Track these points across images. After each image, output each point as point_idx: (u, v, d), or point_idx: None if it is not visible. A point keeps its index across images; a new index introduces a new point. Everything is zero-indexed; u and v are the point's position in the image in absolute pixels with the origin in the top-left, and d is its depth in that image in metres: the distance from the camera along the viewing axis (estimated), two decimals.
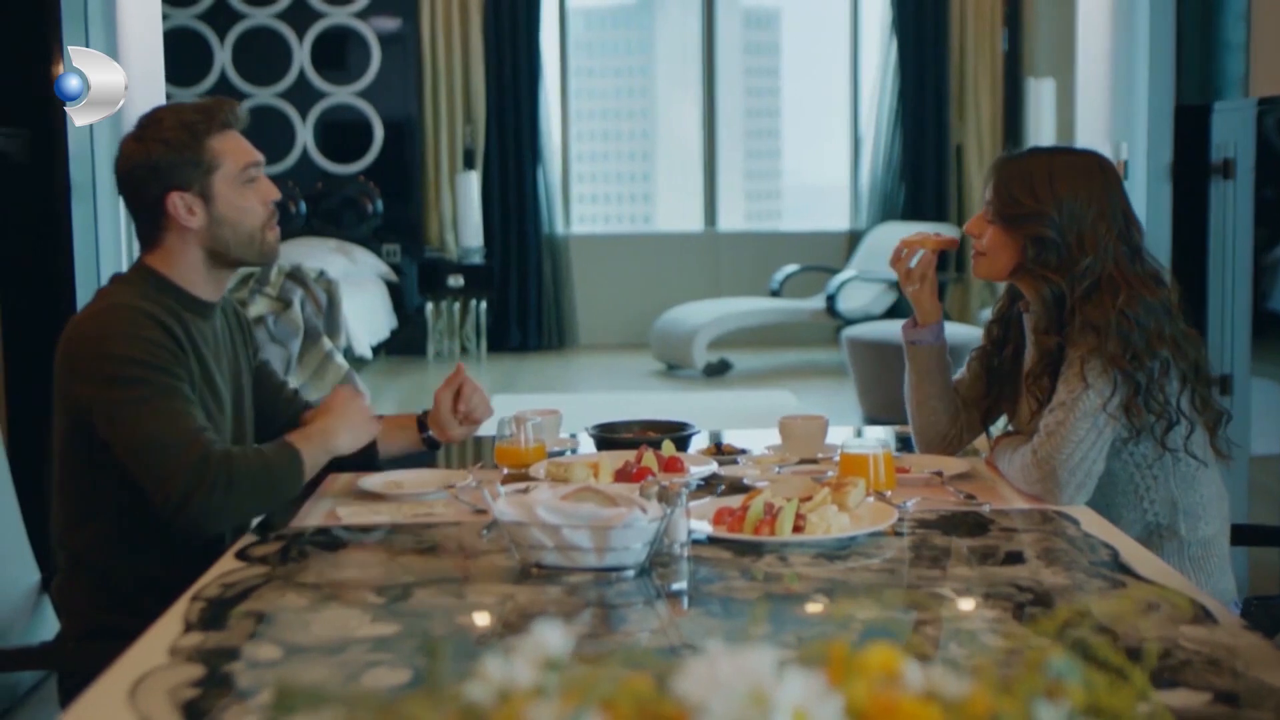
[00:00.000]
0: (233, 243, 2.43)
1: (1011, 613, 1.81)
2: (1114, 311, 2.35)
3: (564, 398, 8.70)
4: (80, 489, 2.38)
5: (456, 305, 10.45)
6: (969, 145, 10.60)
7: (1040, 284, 2.45)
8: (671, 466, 2.56)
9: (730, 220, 11.53)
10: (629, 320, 10.75)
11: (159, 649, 1.68)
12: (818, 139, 11.91)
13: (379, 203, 10.48)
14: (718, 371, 9.55)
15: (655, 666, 1.02)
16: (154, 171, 2.38)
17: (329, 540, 2.24)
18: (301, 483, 2.38)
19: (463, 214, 10.43)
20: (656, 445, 2.65)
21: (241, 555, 2.12)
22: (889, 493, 2.37)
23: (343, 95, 10.50)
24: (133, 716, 1.47)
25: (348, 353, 8.21)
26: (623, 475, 2.50)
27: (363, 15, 10.49)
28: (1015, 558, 2.07)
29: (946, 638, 1.72)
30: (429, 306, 10.41)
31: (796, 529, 2.12)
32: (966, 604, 1.86)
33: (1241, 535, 2.96)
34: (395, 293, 10.23)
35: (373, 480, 2.52)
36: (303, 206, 10.40)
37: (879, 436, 2.47)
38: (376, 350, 9.61)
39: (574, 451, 2.92)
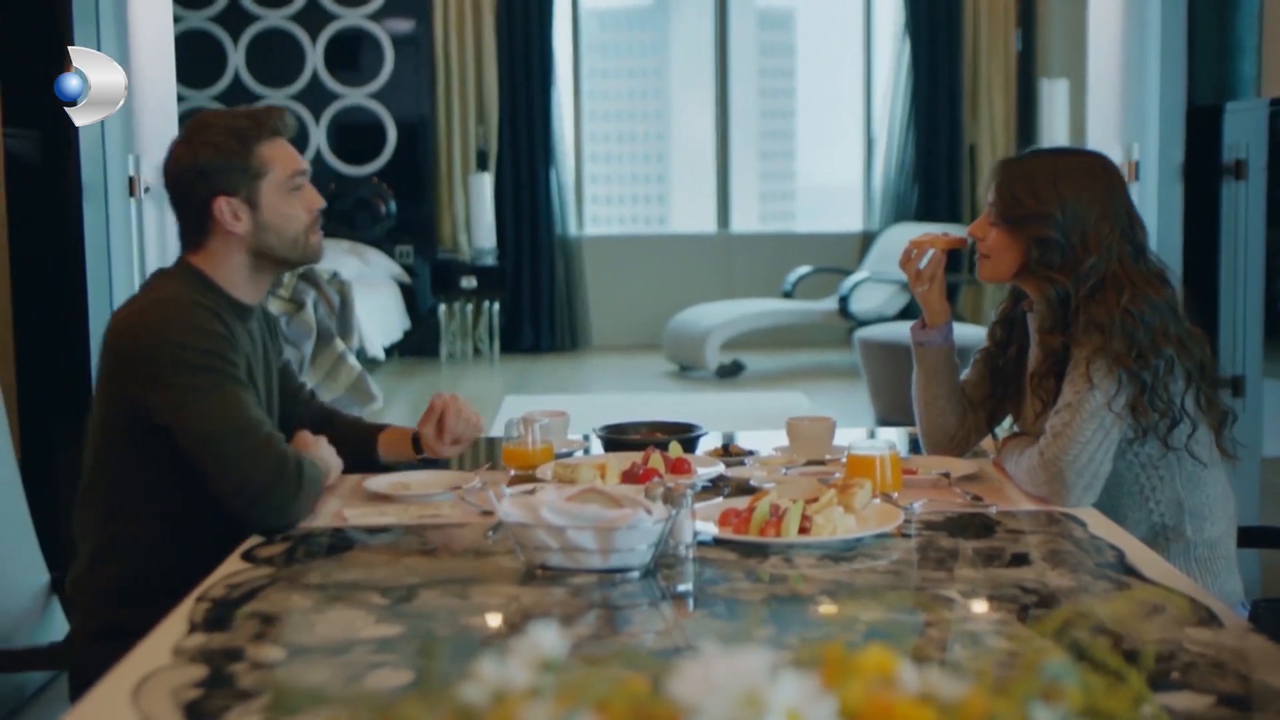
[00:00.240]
0: (277, 246, 2.45)
1: (1016, 615, 1.80)
2: (1118, 310, 2.34)
3: (576, 399, 8.70)
4: (122, 480, 2.38)
5: (469, 306, 10.46)
6: (982, 146, 10.57)
7: (1044, 285, 2.45)
8: (678, 468, 2.56)
9: (745, 221, 11.52)
10: (642, 321, 10.75)
11: (163, 650, 1.68)
12: (832, 140, 11.89)
13: (392, 204, 10.49)
14: (730, 373, 9.54)
15: (652, 668, 1.02)
16: (202, 175, 2.40)
17: (335, 541, 2.24)
18: None
19: (475, 215, 10.44)
20: (664, 447, 2.65)
21: (248, 556, 2.13)
22: (895, 494, 2.37)
23: (356, 97, 10.51)
24: (135, 717, 1.47)
25: (360, 354, 8.22)
26: (629, 476, 2.50)
27: (376, 17, 10.50)
28: (1021, 560, 2.07)
29: (950, 640, 1.72)
30: (442, 308, 10.42)
31: (802, 530, 2.12)
32: (971, 606, 1.86)
33: (1253, 537, 2.96)
34: (408, 294, 10.24)
35: (380, 481, 2.53)
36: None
37: (888, 439, 2.46)
38: (389, 351, 9.62)
39: (587, 452, 2.91)
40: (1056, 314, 2.44)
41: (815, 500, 2.19)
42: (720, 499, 2.37)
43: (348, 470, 2.59)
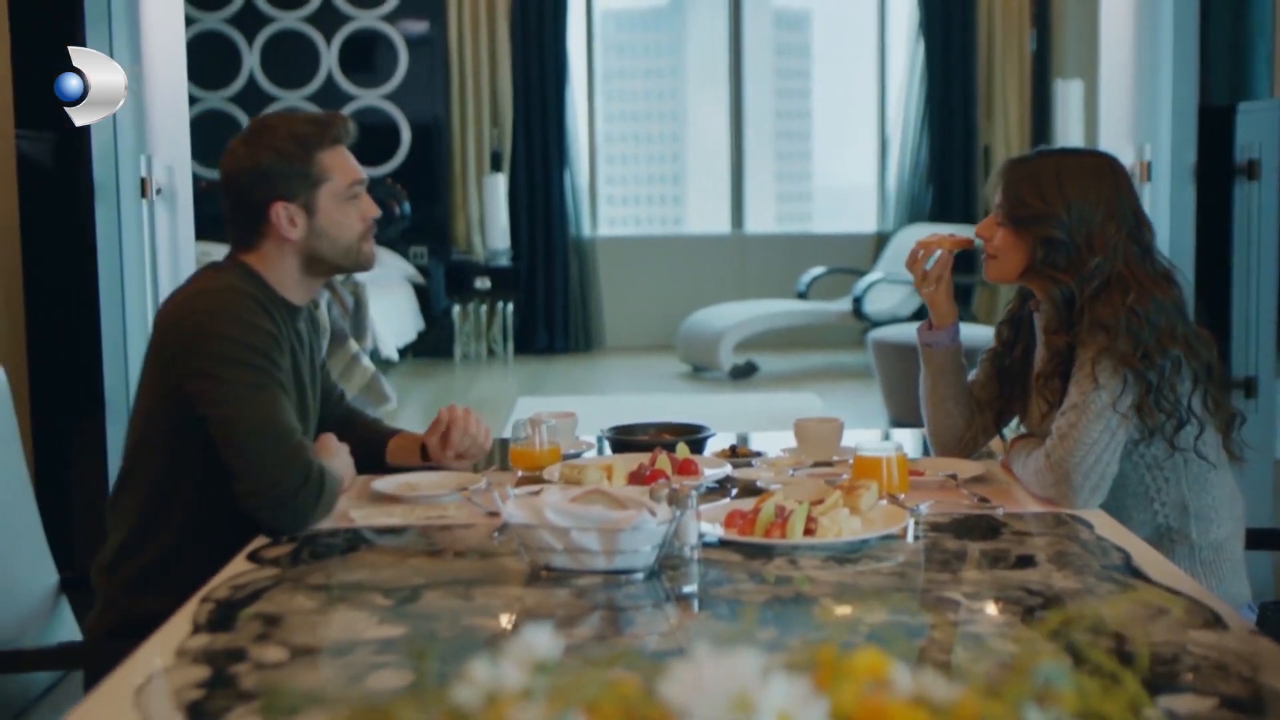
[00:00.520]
0: (330, 253, 2.46)
1: (1021, 617, 1.80)
2: (1124, 310, 2.34)
3: (590, 400, 8.71)
4: (161, 469, 2.39)
5: (483, 307, 10.47)
6: (997, 147, 10.56)
7: (1050, 285, 2.44)
8: (685, 469, 2.56)
9: (761, 222, 11.51)
10: (656, 322, 10.75)
11: (166, 650, 1.69)
12: (847, 141, 11.88)
13: (406, 205, 10.51)
14: (744, 374, 9.54)
15: (645, 669, 1.01)
16: (262, 178, 2.40)
17: (341, 542, 2.24)
18: None
19: (490, 216, 10.46)
20: (671, 448, 2.65)
21: (253, 557, 2.13)
22: (902, 496, 2.36)
23: (370, 98, 10.53)
24: (137, 717, 1.47)
25: (374, 355, 8.23)
26: (636, 478, 2.50)
27: (390, 18, 10.52)
28: (1026, 561, 2.06)
29: (953, 642, 1.71)
30: (456, 309, 10.43)
31: (808, 532, 2.11)
32: (976, 608, 1.85)
33: (1264, 539, 2.94)
34: (422, 295, 10.26)
35: (387, 482, 2.53)
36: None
37: (895, 442, 2.46)
38: (403, 352, 9.64)
39: (600, 453, 2.91)
40: (1062, 314, 2.43)
41: (821, 502, 2.19)
42: (727, 500, 2.36)
43: (357, 472, 2.60)
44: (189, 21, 10.13)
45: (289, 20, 10.46)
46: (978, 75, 10.68)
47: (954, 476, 2.50)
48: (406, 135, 10.56)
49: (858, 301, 9.47)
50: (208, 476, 2.32)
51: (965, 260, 8.95)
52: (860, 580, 1.96)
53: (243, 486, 2.26)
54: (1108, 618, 1.62)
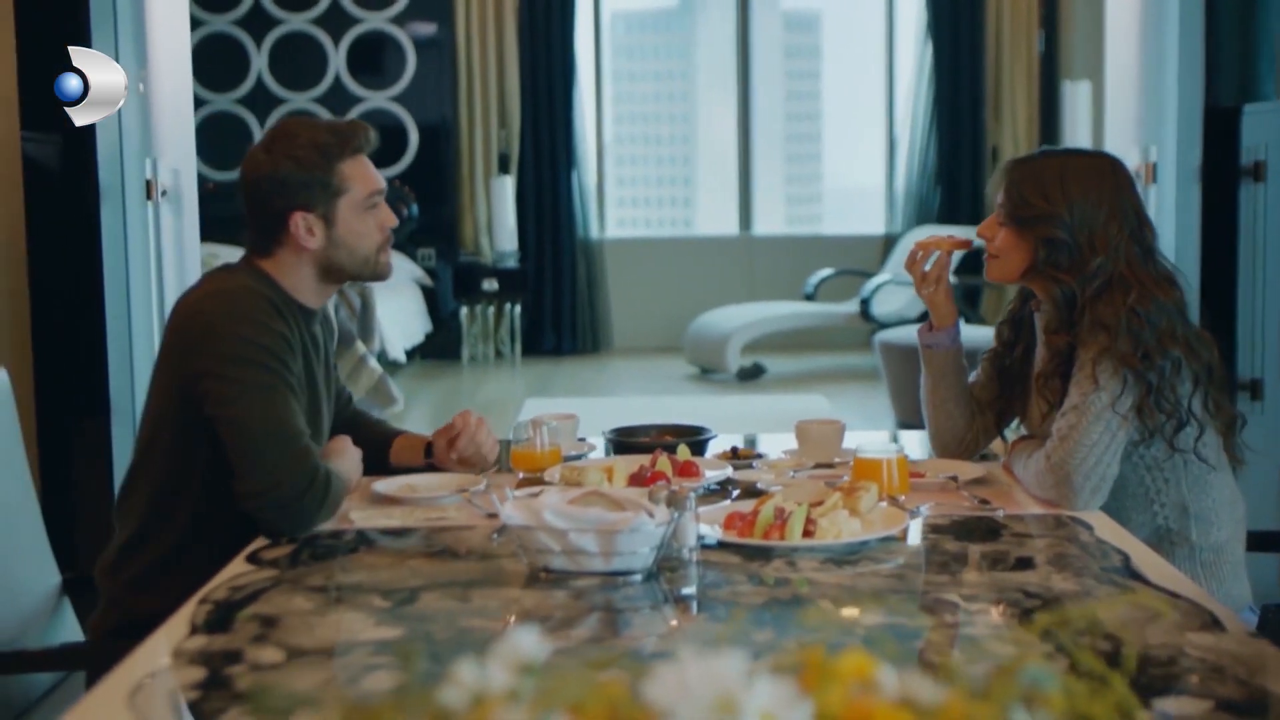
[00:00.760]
0: (347, 263, 2.46)
1: (1018, 619, 1.79)
2: (1125, 310, 2.33)
3: (597, 401, 8.71)
4: (170, 468, 2.39)
5: (491, 309, 10.48)
6: (1005, 148, 10.54)
7: (1051, 285, 2.44)
8: (686, 471, 2.56)
9: (771, 224, 11.51)
10: (663, 324, 10.74)
11: (164, 652, 1.69)
12: (857, 142, 11.87)
13: (414, 207, 10.51)
14: (751, 375, 9.53)
15: (636, 671, 1.01)
16: (281, 187, 2.40)
17: (340, 544, 2.24)
18: None
19: (497, 218, 10.46)
20: (672, 449, 2.65)
21: (253, 559, 2.13)
22: (902, 497, 2.36)
23: (378, 100, 10.54)
24: (132, 718, 1.47)
25: (381, 356, 8.24)
26: (637, 479, 2.50)
27: (398, 20, 10.53)
28: (1025, 563, 2.06)
29: (949, 644, 1.71)
30: (463, 310, 10.44)
31: (807, 534, 2.11)
32: (973, 610, 1.85)
33: (1269, 541, 2.93)
34: (430, 296, 10.26)
35: (388, 484, 2.53)
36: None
37: (895, 444, 2.46)
38: (411, 354, 9.64)
39: (606, 454, 2.91)
40: (1063, 314, 2.43)
41: (821, 503, 2.19)
42: (727, 502, 2.36)
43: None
44: (197, 23, 10.18)
45: (297, 22, 10.47)
46: (986, 76, 10.67)
47: (955, 478, 2.50)
48: (414, 137, 10.56)
49: (865, 303, 9.46)
50: (214, 477, 2.33)
51: (973, 262, 8.96)
52: (858, 582, 1.96)
53: (246, 487, 2.25)
54: (1099, 620, 1.61)
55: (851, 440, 2.78)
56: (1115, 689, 1.01)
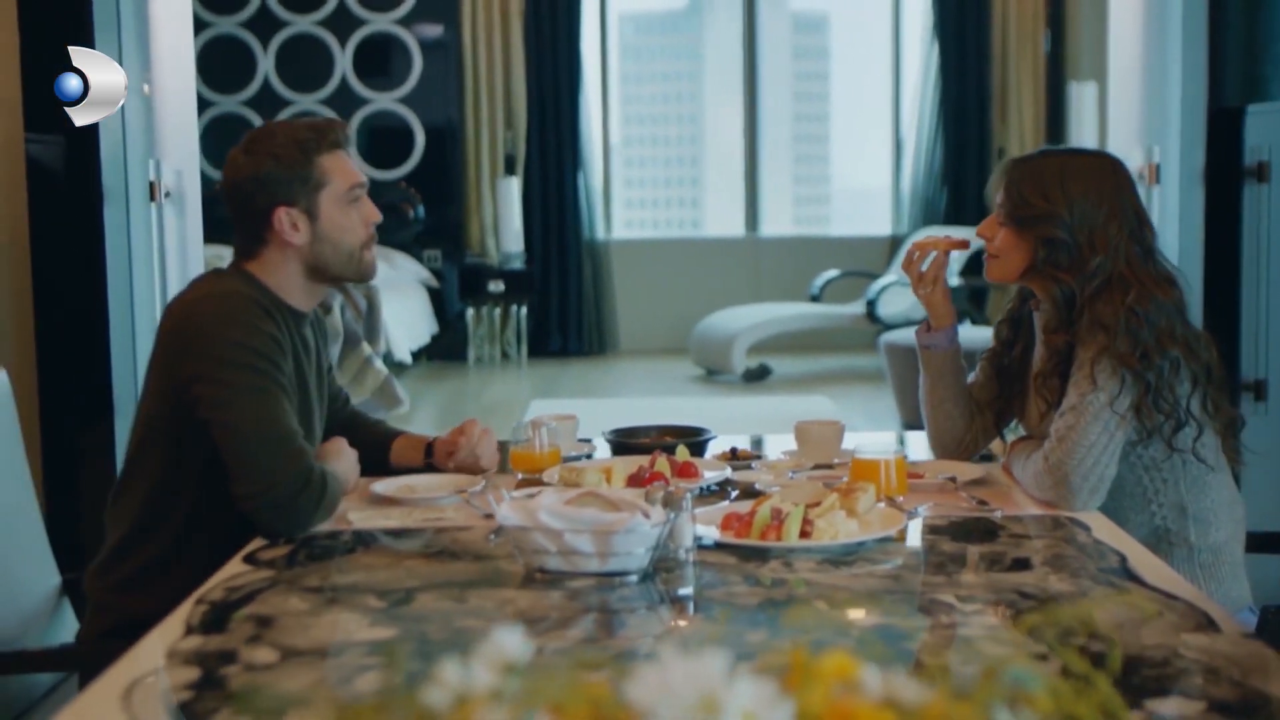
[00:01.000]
0: (332, 260, 2.46)
1: (1013, 620, 1.79)
2: (1124, 309, 2.33)
3: (603, 403, 8.71)
4: (161, 473, 2.39)
5: (497, 310, 10.49)
6: (1011, 149, 10.53)
7: (1051, 284, 2.43)
8: (684, 472, 2.56)
9: (779, 225, 11.51)
10: (669, 325, 10.75)
11: (158, 652, 1.69)
12: (864, 144, 11.87)
13: (420, 208, 10.53)
14: (757, 377, 9.53)
15: (622, 671, 1.01)
16: (262, 185, 2.42)
17: (337, 544, 2.25)
18: None
19: (503, 219, 10.47)
20: (671, 450, 2.65)
21: (250, 559, 2.13)
22: (900, 498, 2.36)
23: (384, 102, 10.56)
24: (125, 719, 1.48)
25: (387, 358, 8.24)
26: (635, 480, 2.50)
27: (405, 22, 10.54)
28: (1022, 564, 2.06)
29: (942, 644, 1.71)
30: (470, 312, 10.45)
31: (804, 535, 2.11)
32: (968, 611, 1.84)
33: (1275, 543, 2.92)
34: (436, 298, 10.27)
35: (387, 484, 2.54)
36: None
37: (894, 444, 2.45)
38: (417, 355, 9.65)
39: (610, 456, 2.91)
40: (1062, 313, 2.43)
41: (818, 504, 2.18)
42: (726, 503, 2.37)
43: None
44: (204, 25, 10.20)
45: (303, 24, 10.49)
46: (992, 77, 10.66)
47: (953, 479, 2.50)
48: (421, 138, 10.58)
49: (871, 304, 9.46)
50: (208, 479, 2.33)
51: (978, 264, 8.93)
52: (854, 583, 1.96)
53: (242, 489, 2.26)
54: (1085, 620, 1.61)
55: (851, 441, 2.78)
56: (1100, 689, 1.01)
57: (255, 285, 2.43)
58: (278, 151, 2.42)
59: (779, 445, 2.92)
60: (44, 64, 3.89)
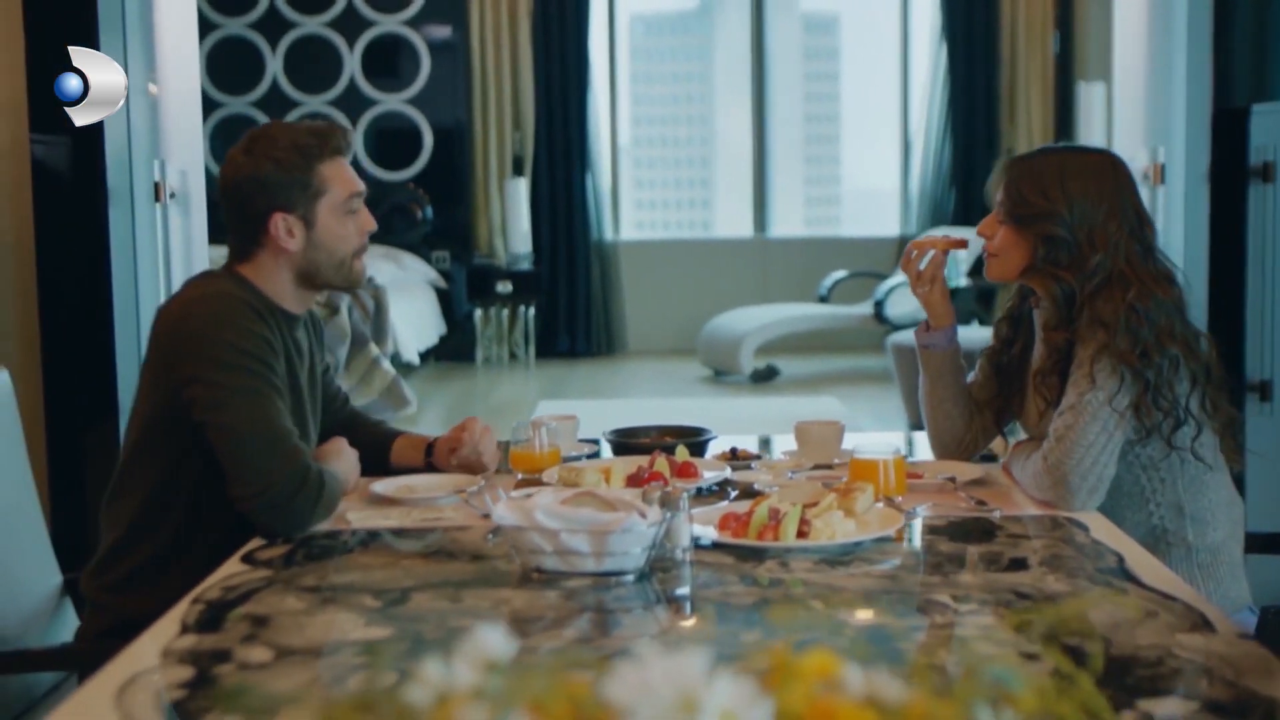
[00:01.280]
0: (324, 267, 2.47)
1: (1012, 621, 1.78)
2: (1124, 307, 2.32)
3: (611, 403, 8.71)
4: (156, 474, 2.39)
5: (505, 311, 10.49)
6: (1020, 149, 10.50)
7: (1051, 283, 2.43)
8: (684, 472, 2.56)
9: (789, 226, 11.50)
10: (677, 326, 10.75)
11: (153, 651, 1.69)
12: (874, 144, 11.86)
13: (428, 209, 10.54)
14: (765, 377, 9.53)
15: (600, 670, 1.01)
16: (261, 188, 2.41)
17: (335, 544, 2.25)
18: None
19: (511, 220, 10.48)
20: (671, 450, 2.65)
21: (248, 559, 2.14)
22: (899, 498, 2.35)
23: (393, 103, 10.57)
24: (116, 717, 1.48)
25: (395, 359, 8.25)
26: (634, 480, 2.50)
27: (413, 24, 10.56)
28: (1019, 564, 2.05)
29: (935, 644, 1.71)
30: (478, 313, 10.46)
31: (801, 535, 2.11)
32: (963, 611, 1.84)
33: (1278, 544, 2.91)
34: (444, 299, 10.29)
35: (386, 484, 2.54)
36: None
37: (893, 444, 2.45)
38: (425, 356, 9.66)
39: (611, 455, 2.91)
40: (1062, 311, 2.42)
41: (816, 504, 2.18)
42: (725, 503, 2.36)
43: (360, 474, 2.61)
44: (212, 27, 10.22)
45: (312, 25, 10.50)
46: (1001, 78, 10.65)
47: (953, 479, 2.50)
48: (429, 139, 10.59)
49: (879, 305, 9.46)
50: (203, 482, 2.34)
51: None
52: (851, 583, 1.96)
53: (240, 490, 2.26)
54: (1073, 619, 1.61)
55: (852, 441, 2.78)
56: (1082, 688, 1.01)
57: (247, 288, 2.43)
58: (278, 156, 2.41)
59: (786, 446, 2.92)
60: (49, 65, 3.90)
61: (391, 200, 10.51)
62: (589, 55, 10.70)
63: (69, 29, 3.89)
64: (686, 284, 11.00)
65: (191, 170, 4.35)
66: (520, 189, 10.47)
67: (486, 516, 2.33)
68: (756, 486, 2.48)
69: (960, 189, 10.69)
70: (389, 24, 10.53)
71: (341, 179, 2.46)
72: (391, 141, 10.58)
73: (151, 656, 1.67)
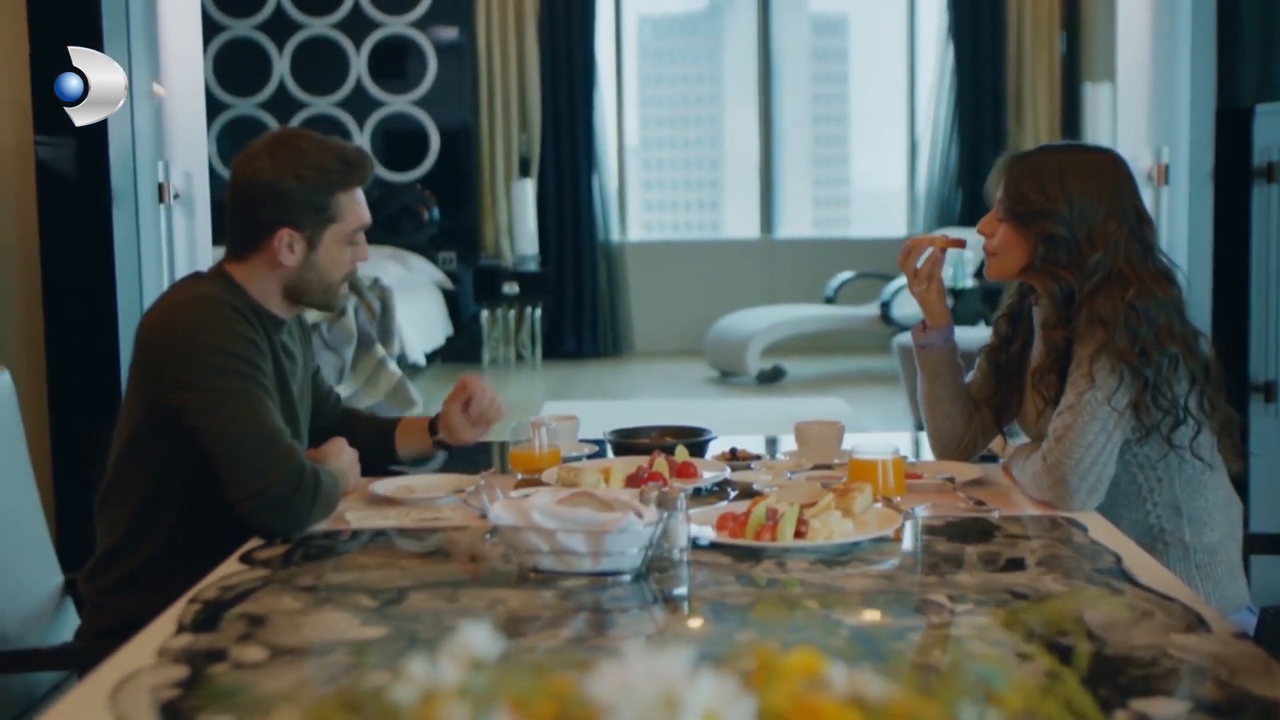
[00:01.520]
0: (313, 287, 2.48)
1: (1003, 620, 1.78)
2: (1123, 305, 2.32)
3: (617, 404, 8.71)
4: (148, 478, 2.40)
5: (512, 312, 10.50)
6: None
7: (1050, 281, 2.43)
8: (683, 472, 2.56)
9: (796, 227, 11.50)
10: (684, 327, 10.75)
11: (148, 650, 1.70)
12: (881, 145, 11.85)
13: (435, 210, 10.55)
14: (771, 378, 9.52)
15: (585, 668, 1.02)
16: (276, 199, 2.42)
17: (333, 544, 2.25)
18: None
19: (518, 221, 10.49)
20: (671, 450, 2.65)
21: (245, 559, 2.14)
22: (898, 499, 2.35)
23: (400, 104, 10.58)
24: (110, 717, 1.48)
25: (401, 360, 8.25)
26: (634, 480, 2.50)
27: (420, 25, 10.57)
28: (1016, 564, 2.05)
29: (930, 644, 1.70)
30: (484, 313, 10.47)
31: (799, 534, 2.11)
32: (958, 611, 1.84)
33: (1278, 545, 2.91)
34: (451, 300, 10.29)
35: (385, 484, 2.54)
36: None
37: (892, 445, 2.44)
38: (431, 357, 9.67)
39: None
40: (1061, 310, 2.42)
41: (814, 504, 2.18)
42: (724, 503, 2.36)
43: (367, 470, 2.61)
44: (219, 28, 10.24)
45: (319, 27, 10.52)
46: (1007, 78, 10.64)
47: (951, 479, 2.49)
48: (435, 141, 10.60)
49: (885, 306, 9.45)
50: (195, 485, 2.34)
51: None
52: (847, 583, 1.96)
53: (237, 492, 2.26)
54: (1062, 618, 1.60)
55: (852, 441, 2.77)
56: (1067, 686, 1.01)
57: (233, 290, 2.44)
58: (303, 173, 2.41)
59: (791, 447, 2.92)
60: (53, 67, 3.90)
61: (398, 201, 10.52)
62: (595, 56, 10.70)
63: (73, 30, 3.90)
64: (693, 285, 11.00)
65: (196, 172, 4.36)
66: (527, 190, 10.48)
67: (485, 516, 2.33)
68: (755, 487, 2.48)
69: (967, 189, 10.68)
70: (396, 25, 10.54)
71: (354, 211, 2.48)
72: (398, 143, 10.59)
73: (147, 656, 1.67)
